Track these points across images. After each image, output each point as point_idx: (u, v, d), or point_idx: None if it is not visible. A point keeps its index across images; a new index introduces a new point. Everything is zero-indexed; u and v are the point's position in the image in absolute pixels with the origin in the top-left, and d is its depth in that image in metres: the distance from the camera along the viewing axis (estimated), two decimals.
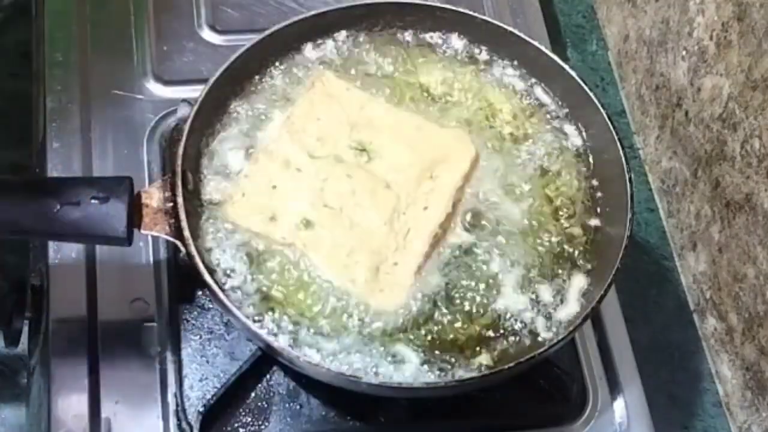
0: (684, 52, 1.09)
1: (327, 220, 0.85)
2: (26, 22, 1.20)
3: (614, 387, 0.94)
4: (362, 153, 0.89)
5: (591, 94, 0.91)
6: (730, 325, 1.04)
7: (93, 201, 0.81)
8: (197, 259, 0.81)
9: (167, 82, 1.04)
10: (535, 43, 0.93)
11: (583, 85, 0.91)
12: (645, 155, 1.21)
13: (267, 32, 0.92)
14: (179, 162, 0.84)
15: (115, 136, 1.01)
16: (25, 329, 0.94)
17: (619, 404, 0.94)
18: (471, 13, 0.95)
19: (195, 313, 0.92)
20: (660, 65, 1.14)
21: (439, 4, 0.95)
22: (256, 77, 0.93)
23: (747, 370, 1.02)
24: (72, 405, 0.88)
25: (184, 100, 0.96)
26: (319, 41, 0.95)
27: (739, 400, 1.04)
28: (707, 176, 1.06)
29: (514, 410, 0.91)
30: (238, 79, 0.92)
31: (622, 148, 0.87)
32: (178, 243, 0.82)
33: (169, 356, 0.90)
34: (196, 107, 0.87)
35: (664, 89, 1.14)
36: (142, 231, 0.83)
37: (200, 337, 0.91)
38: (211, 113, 0.90)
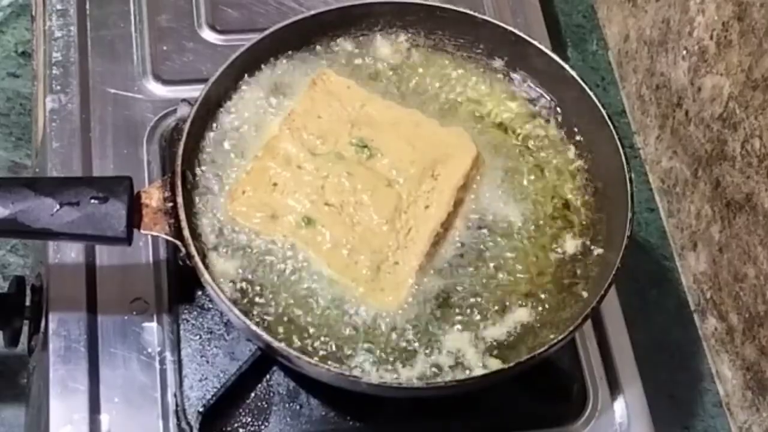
0: (684, 52, 1.09)
1: (328, 218, 0.85)
2: (26, 22, 1.20)
3: (614, 387, 0.94)
4: (363, 150, 0.88)
5: (591, 93, 0.91)
6: (730, 325, 1.04)
7: (92, 201, 0.81)
8: (197, 259, 0.81)
9: (167, 82, 1.04)
10: (535, 43, 0.93)
11: (583, 84, 0.91)
12: (645, 155, 1.21)
13: (266, 33, 0.91)
14: (179, 162, 0.84)
15: (114, 136, 1.01)
16: (25, 329, 0.94)
17: (619, 404, 0.94)
18: (471, 12, 0.95)
19: (195, 313, 0.92)
20: (660, 65, 1.14)
21: (439, 4, 0.95)
22: (256, 77, 0.93)
23: (747, 370, 1.02)
24: (72, 405, 0.88)
25: (183, 100, 0.96)
26: (319, 41, 0.95)
27: (739, 400, 1.04)
28: (707, 176, 1.06)
29: (514, 410, 0.91)
30: (237, 78, 0.91)
31: (622, 147, 0.87)
32: (178, 243, 0.82)
33: (169, 356, 0.90)
34: (195, 107, 0.87)
35: (665, 89, 1.14)
36: (142, 231, 0.83)
37: (200, 337, 0.91)
38: (211, 113, 0.90)
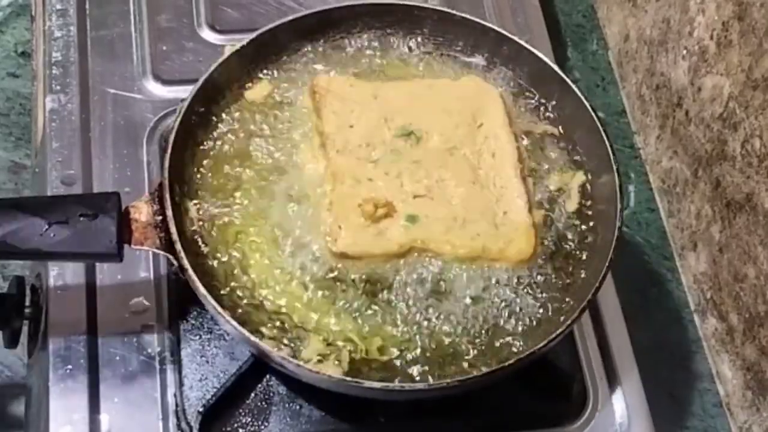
0: (684, 52, 1.09)
1: (426, 207, 0.86)
2: (26, 22, 1.20)
3: (614, 387, 0.94)
4: (411, 136, 0.90)
5: (567, 80, 0.92)
6: (730, 325, 1.04)
7: (81, 218, 0.79)
8: (191, 272, 0.80)
9: (166, 82, 1.04)
10: (514, 38, 0.94)
11: (560, 72, 0.92)
12: (645, 155, 1.21)
13: (243, 43, 0.91)
14: (166, 175, 0.83)
15: (114, 136, 1.01)
16: (25, 329, 0.93)
17: (619, 404, 0.93)
18: (449, 11, 0.95)
19: (195, 312, 0.92)
20: (660, 65, 1.14)
21: (416, 3, 0.95)
22: (244, 82, 0.93)
23: (747, 370, 1.02)
24: (72, 405, 0.88)
25: (183, 100, 0.96)
26: (299, 47, 0.95)
27: (739, 400, 1.04)
28: (708, 176, 1.06)
29: (514, 410, 0.91)
30: (225, 85, 0.91)
31: (607, 137, 0.88)
32: (170, 257, 0.81)
33: (169, 356, 0.90)
34: (178, 119, 0.86)
35: (665, 89, 1.14)
36: (133, 246, 0.82)
37: (200, 337, 0.91)
38: (199, 122, 0.89)
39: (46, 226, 0.79)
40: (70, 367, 0.89)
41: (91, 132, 1.01)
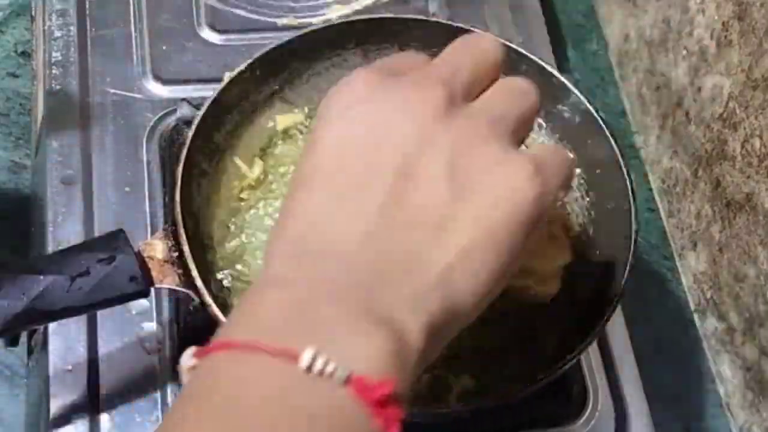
0: (684, 52, 1.09)
1: None
2: (26, 21, 1.20)
3: (614, 387, 0.94)
4: None
5: (571, 87, 0.89)
6: (730, 325, 1.04)
7: (99, 264, 0.76)
8: (214, 308, 0.77)
9: (166, 82, 1.04)
10: (512, 44, 0.91)
11: (565, 81, 0.90)
12: (646, 155, 1.21)
13: (227, 79, 0.87)
14: (178, 209, 0.80)
15: (114, 136, 1.01)
16: None
17: (619, 405, 0.93)
18: (421, 17, 0.92)
19: (196, 312, 0.92)
20: (660, 65, 1.14)
21: (388, 15, 0.93)
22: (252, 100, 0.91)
23: (748, 371, 1.02)
24: (72, 405, 0.88)
25: (183, 100, 0.96)
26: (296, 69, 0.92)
27: (739, 401, 1.04)
28: (708, 176, 1.06)
29: (514, 410, 0.91)
30: (233, 105, 0.89)
31: (629, 176, 0.85)
32: (191, 293, 0.79)
33: (170, 356, 0.90)
34: (185, 152, 0.83)
35: (665, 89, 1.14)
36: (154, 285, 0.80)
37: (201, 337, 0.91)
38: (207, 151, 0.87)
39: (70, 282, 0.75)
40: (70, 367, 0.89)
41: (90, 132, 1.01)
